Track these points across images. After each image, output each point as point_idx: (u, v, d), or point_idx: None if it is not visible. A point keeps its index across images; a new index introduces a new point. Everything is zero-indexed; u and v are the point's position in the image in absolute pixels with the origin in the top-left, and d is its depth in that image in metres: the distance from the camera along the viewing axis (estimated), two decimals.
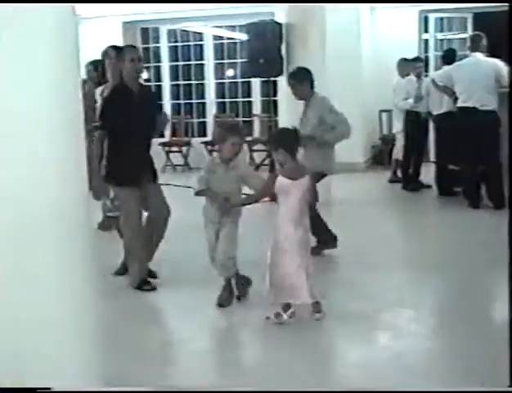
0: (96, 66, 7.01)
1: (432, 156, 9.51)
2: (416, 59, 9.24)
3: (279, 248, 4.17)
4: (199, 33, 12.31)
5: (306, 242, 4.28)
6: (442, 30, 11.93)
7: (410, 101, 8.77)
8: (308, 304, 4.24)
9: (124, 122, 4.82)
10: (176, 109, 12.59)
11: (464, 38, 10.22)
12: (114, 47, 5.64)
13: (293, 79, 5.93)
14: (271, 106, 9.80)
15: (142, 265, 5.03)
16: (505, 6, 10.13)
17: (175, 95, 12.58)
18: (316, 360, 3.83)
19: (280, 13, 8.98)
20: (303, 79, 5.84)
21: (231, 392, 3.35)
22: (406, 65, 9.06)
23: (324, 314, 4.24)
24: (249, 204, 4.54)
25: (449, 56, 8.47)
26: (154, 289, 4.97)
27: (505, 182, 7.27)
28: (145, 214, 5.14)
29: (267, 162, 10.15)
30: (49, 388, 2.63)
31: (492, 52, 7.78)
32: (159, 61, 12.45)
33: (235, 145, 4.43)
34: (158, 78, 12.52)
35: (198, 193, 4.50)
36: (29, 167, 2.66)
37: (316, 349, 3.97)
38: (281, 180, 4.15)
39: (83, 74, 6.56)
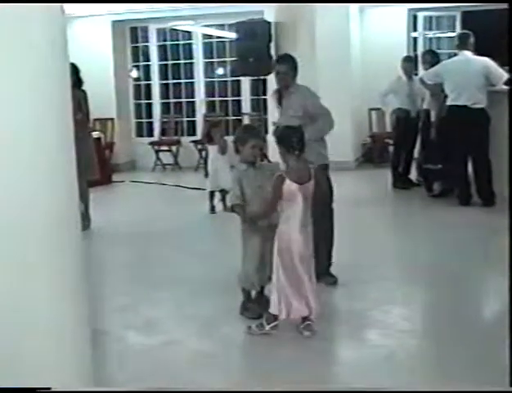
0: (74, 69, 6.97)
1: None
2: (406, 58, 9.21)
3: (287, 254, 3.93)
4: (189, 32, 12.27)
5: (310, 252, 4.01)
6: (430, 29, 11.96)
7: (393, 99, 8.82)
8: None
9: None
10: (165, 108, 12.57)
11: (453, 37, 10.25)
12: None
13: (280, 64, 5.16)
14: (260, 105, 9.78)
15: None
16: (492, 5, 10.21)
17: (164, 94, 12.55)
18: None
19: (269, 12, 8.97)
20: (290, 67, 5.14)
21: (232, 392, 3.34)
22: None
23: (313, 333, 4.02)
24: (270, 212, 4.09)
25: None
26: None
27: (494, 180, 7.32)
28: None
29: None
30: (49, 388, 2.61)
31: (480, 51, 7.80)
32: (148, 60, 12.41)
33: (256, 147, 4.27)
34: (147, 77, 12.48)
35: (231, 208, 4.39)
36: (19, 170, 2.64)
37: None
38: (289, 184, 3.88)
39: None
